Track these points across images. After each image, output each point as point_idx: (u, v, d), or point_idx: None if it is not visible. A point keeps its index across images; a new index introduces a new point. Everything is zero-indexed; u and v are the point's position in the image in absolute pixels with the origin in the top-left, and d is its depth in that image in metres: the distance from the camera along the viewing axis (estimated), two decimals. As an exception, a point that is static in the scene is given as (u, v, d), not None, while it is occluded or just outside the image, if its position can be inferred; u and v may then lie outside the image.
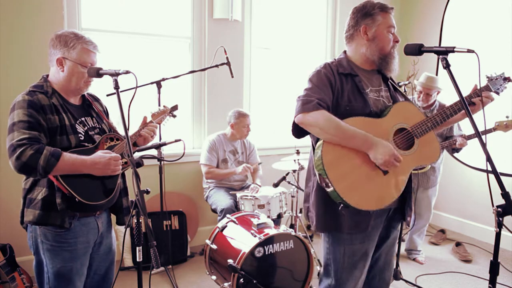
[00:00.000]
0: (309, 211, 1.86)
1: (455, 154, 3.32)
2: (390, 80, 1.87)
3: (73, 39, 1.68)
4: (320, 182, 1.69)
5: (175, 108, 2.30)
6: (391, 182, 1.69)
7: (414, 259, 3.54)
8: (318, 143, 1.68)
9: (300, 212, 3.44)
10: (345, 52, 1.86)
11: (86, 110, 1.83)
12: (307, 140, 1.83)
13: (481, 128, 1.48)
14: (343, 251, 1.79)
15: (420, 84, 3.19)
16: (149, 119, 2.02)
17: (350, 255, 1.78)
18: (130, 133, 1.83)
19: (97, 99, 1.95)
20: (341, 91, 1.72)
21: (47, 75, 1.75)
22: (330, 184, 1.62)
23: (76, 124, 1.71)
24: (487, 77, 1.82)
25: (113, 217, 1.94)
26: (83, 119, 1.77)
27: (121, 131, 1.77)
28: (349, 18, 1.81)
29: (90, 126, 1.78)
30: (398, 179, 1.70)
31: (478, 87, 1.75)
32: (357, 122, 1.67)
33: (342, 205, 1.65)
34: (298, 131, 1.77)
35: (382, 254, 1.93)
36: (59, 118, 1.65)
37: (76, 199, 1.61)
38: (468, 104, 1.68)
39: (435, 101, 3.25)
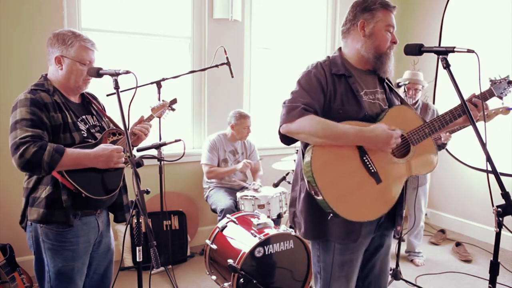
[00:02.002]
0: (295, 216, 1.74)
1: (455, 154, 3.31)
2: (386, 82, 1.76)
3: (71, 37, 1.69)
4: (309, 189, 1.56)
5: (174, 101, 2.32)
6: (385, 192, 1.57)
7: (411, 261, 3.52)
8: (308, 147, 1.56)
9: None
10: (340, 49, 1.73)
11: (86, 108, 1.84)
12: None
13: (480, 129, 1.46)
14: (332, 259, 1.68)
15: (408, 80, 3.27)
16: (149, 113, 2.04)
17: (340, 264, 1.68)
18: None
19: (94, 97, 1.95)
20: (334, 93, 1.59)
21: (46, 74, 1.76)
22: (319, 193, 1.48)
23: (78, 122, 1.72)
24: (491, 80, 1.71)
25: (111, 216, 1.94)
26: (84, 117, 1.77)
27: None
28: (348, 11, 1.69)
29: (91, 124, 1.79)
30: (392, 188, 1.58)
31: (478, 90, 1.63)
32: None
33: (331, 214, 1.53)
34: (287, 138, 1.62)
35: (377, 262, 1.85)
36: (62, 116, 1.65)
37: (83, 195, 1.62)
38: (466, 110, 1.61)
39: (418, 100, 3.31)
